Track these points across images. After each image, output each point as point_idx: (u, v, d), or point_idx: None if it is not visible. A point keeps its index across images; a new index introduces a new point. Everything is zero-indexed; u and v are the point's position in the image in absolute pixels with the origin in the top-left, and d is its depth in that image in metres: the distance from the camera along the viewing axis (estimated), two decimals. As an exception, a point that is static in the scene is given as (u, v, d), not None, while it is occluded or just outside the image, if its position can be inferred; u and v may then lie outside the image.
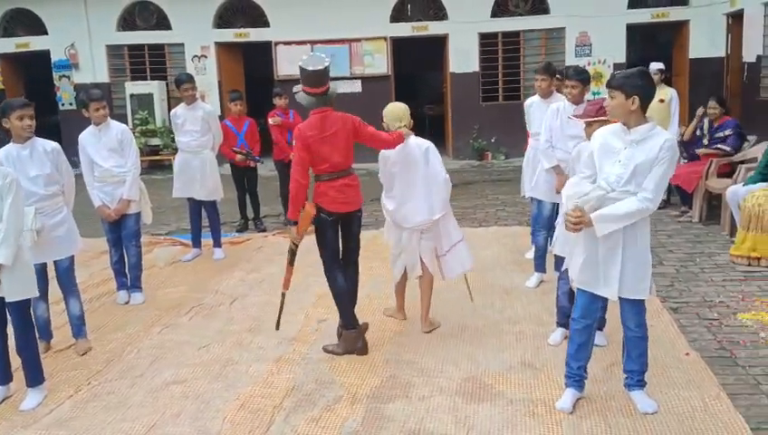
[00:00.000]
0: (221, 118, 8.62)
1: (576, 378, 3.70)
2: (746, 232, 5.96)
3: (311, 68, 4.30)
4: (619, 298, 3.54)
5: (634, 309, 3.56)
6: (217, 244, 7.09)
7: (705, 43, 12.82)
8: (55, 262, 4.66)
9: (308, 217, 4.40)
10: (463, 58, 13.31)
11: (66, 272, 4.70)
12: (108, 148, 5.49)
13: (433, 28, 13.30)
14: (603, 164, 3.45)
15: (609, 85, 3.43)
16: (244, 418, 3.75)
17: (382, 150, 4.65)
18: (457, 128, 13.61)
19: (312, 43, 13.16)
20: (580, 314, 3.63)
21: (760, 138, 7.79)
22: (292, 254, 4.52)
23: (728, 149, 7.49)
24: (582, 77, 5.22)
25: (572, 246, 3.75)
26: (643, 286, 3.50)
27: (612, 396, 3.77)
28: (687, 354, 4.24)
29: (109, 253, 5.87)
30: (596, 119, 4.01)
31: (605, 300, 3.67)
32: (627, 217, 3.35)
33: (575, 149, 4.37)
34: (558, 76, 6.47)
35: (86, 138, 5.52)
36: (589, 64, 12.83)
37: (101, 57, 13.87)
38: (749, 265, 5.91)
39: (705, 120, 7.89)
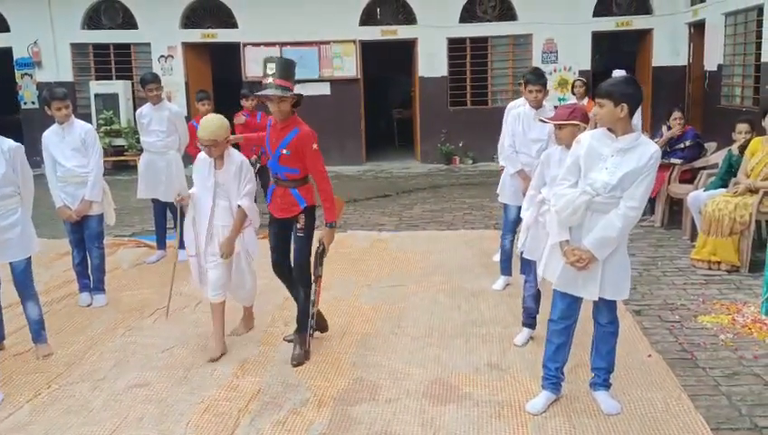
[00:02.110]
0: (188, 118, 8.54)
1: (553, 380, 3.72)
2: (707, 237, 6.08)
3: None
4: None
5: (608, 306, 3.61)
6: (182, 245, 6.98)
7: (667, 51, 13.10)
8: (11, 265, 4.54)
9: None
10: (431, 62, 13.38)
11: (22, 275, 4.57)
12: (71, 147, 5.38)
13: (402, 32, 13.34)
14: (589, 170, 3.44)
15: (597, 94, 3.46)
16: (208, 422, 3.70)
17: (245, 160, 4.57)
18: (425, 132, 13.68)
19: (281, 44, 13.11)
20: (559, 315, 3.64)
21: (720, 145, 7.97)
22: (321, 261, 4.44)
23: (679, 162, 7.66)
24: (544, 81, 5.33)
25: (545, 248, 3.77)
26: (624, 286, 3.55)
27: (577, 397, 3.81)
28: (650, 356, 4.31)
29: (71, 254, 5.76)
30: (569, 122, 4.06)
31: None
32: (621, 233, 3.38)
33: (544, 154, 4.41)
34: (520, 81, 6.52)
35: (49, 137, 5.41)
36: (555, 71, 13.03)
37: (65, 55, 13.62)
38: (709, 268, 6.03)
39: (664, 128, 8.03)
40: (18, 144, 4.48)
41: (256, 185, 4.64)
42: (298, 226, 4.33)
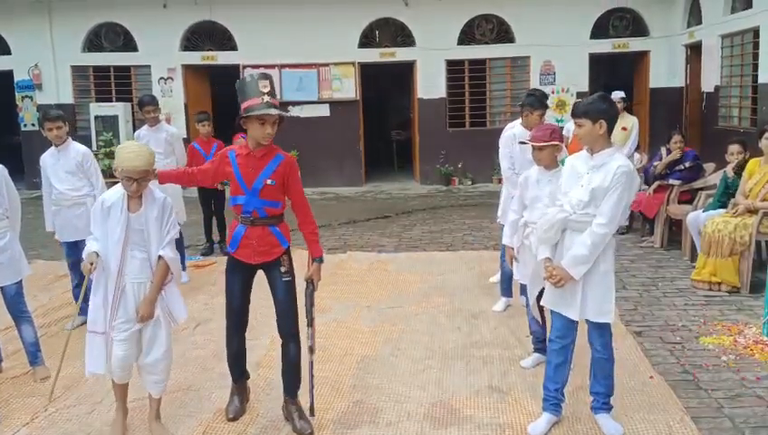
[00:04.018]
0: (188, 140, 8.55)
1: (553, 401, 3.69)
2: (707, 257, 6.07)
3: None
4: (587, 319, 3.57)
5: (599, 331, 3.60)
6: (181, 267, 6.97)
7: (664, 73, 13.19)
8: (2, 289, 4.52)
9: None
10: (430, 84, 13.46)
11: (14, 298, 4.55)
12: (65, 170, 5.33)
13: (401, 54, 13.44)
14: (569, 188, 3.53)
15: (574, 115, 3.50)
16: (207, 445, 3.67)
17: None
18: (424, 153, 13.72)
19: (281, 67, 13.20)
20: (556, 334, 3.65)
21: (718, 165, 7.99)
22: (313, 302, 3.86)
23: (678, 183, 7.69)
24: (545, 103, 5.34)
25: (534, 269, 3.78)
26: (606, 309, 3.53)
27: (579, 419, 3.78)
28: (651, 378, 4.28)
29: (69, 276, 5.73)
30: (549, 143, 4.09)
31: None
32: (592, 250, 3.40)
33: (522, 177, 4.44)
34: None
35: (45, 159, 5.39)
36: (553, 92, 13.10)
37: (66, 78, 13.70)
38: (710, 289, 6.02)
39: (663, 150, 8.06)
40: (1, 166, 4.47)
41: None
42: (282, 269, 3.74)
